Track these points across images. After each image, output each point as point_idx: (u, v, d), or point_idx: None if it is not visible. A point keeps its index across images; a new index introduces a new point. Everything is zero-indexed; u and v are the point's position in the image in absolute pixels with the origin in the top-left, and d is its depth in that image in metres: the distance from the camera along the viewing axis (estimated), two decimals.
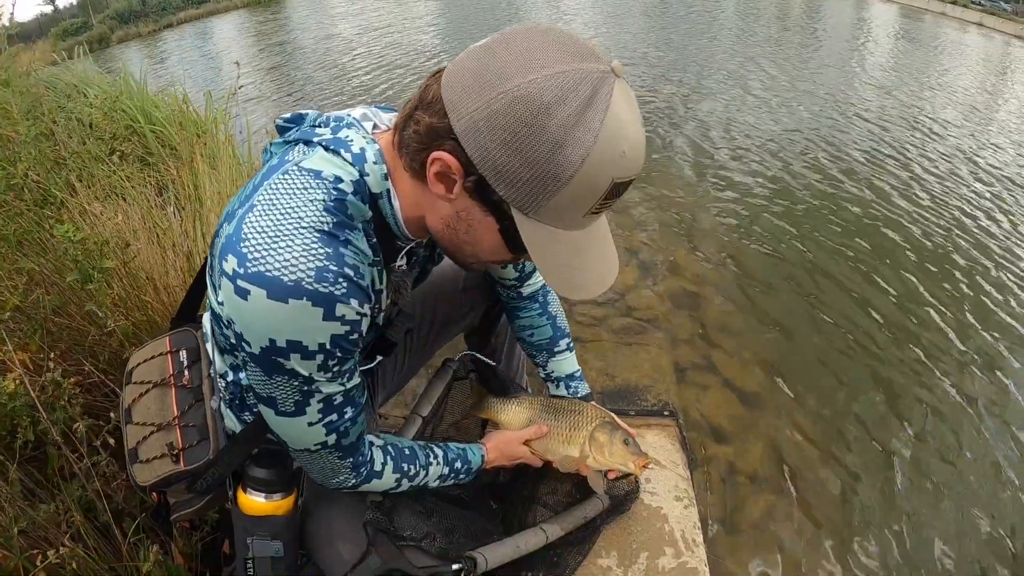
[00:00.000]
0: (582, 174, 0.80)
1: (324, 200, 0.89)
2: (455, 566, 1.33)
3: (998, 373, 3.13)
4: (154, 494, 1.35)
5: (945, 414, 2.80)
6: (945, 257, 4.17)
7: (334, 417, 1.03)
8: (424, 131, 0.86)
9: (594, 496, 1.71)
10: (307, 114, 1.03)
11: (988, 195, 5.29)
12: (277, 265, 0.84)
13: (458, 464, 1.37)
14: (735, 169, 5.18)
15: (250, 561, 1.20)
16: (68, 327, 1.91)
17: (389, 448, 1.24)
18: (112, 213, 2.39)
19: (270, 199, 0.88)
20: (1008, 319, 3.58)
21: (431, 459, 1.31)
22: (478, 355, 1.73)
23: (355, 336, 0.93)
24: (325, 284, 0.85)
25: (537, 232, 0.87)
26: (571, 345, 1.68)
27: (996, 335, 3.43)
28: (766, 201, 4.62)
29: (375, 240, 0.98)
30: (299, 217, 0.86)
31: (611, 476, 1.57)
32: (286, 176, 0.90)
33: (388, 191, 0.95)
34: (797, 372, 2.91)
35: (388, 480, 1.22)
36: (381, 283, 1.04)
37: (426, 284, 1.64)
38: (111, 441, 1.52)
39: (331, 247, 0.87)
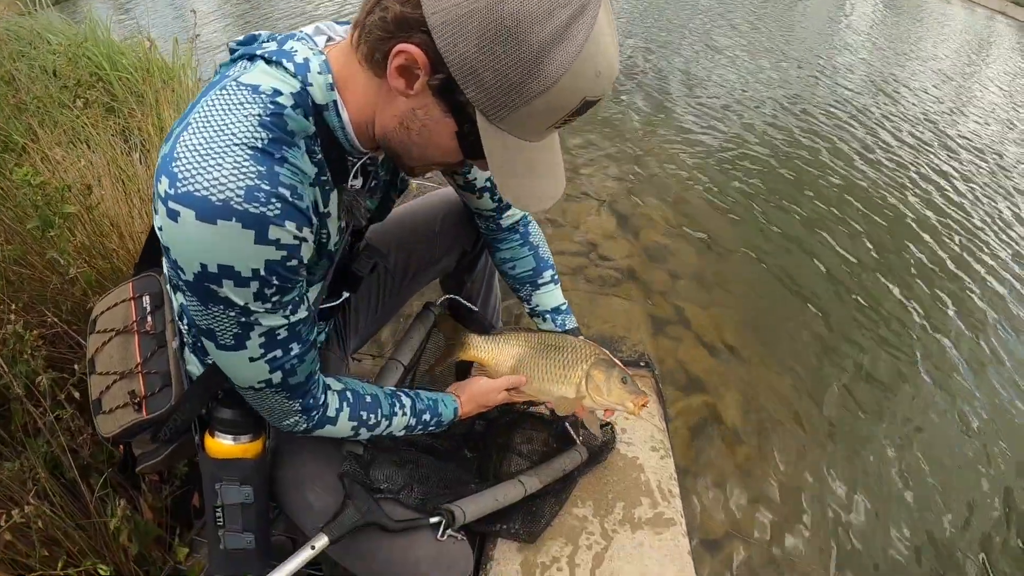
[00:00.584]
0: (557, 88, 0.77)
1: (260, 115, 0.82)
2: (433, 519, 1.31)
3: (965, 329, 3.20)
4: (120, 447, 1.32)
5: (915, 367, 2.85)
6: (917, 217, 4.20)
7: (278, 353, 0.97)
8: (392, 19, 0.80)
9: (572, 448, 1.71)
10: (261, 34, 0.96)
11: (952, 160, 5.31)
12: (206, 184, 0.78)
13: (427, 416, 1.32)
14: (712, 127, 5.13)
15: (219, 509, 1.16)
16: (30, 277, 1.85)
17: (348, 394, 1.19)
18: (75, 159, 2.31)
19: (205, 116, 0.82)
20: (973, 278, 3.64)
21: (396, 409, 1.27)
22: (459, 298, 1.70)
23: (294, 262, 0.88)
24: (256, 204, 0.79)
25: (498, 139, 0.83)
26: (556, 278, 1.62)
27: (964, 292, 3.50)
28: (742, 160, 4.58)
29: (321, 157, 0.92)
30: (232, 134, 0.80)
31: (607, 416, 1.54)
32: (223, 92, 0.84)
33: (335, 102, 0.89)
34: (771, 325, 2.92)
35: (343, 427, 1.18)
36: (327, 205, 0.98)
37: (401, 227, 1.61)
38: (76, 394, 1.48)
39: (264, 165, 0.81)
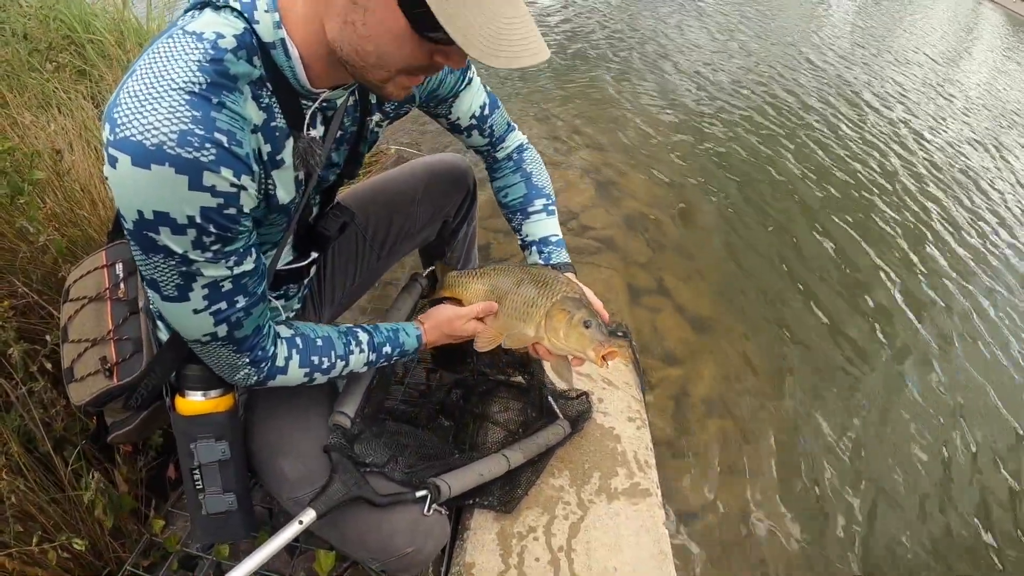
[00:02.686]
0: None
1: (199, 60, 0.80)
2: (419, 493, 1.31)
3: (942, 302, 3.27)
4: (94, 418, 1.30)
5: (893, 341, 2.90)
6: (896, 189, 4.27)
7: (222, 306, 0.96)
8: None
9: (556, 422, 1.71)
10: None
11: (929, 136, 5.36)
12: (141, 129, 0.76)
13: (387, 349, 1.28)
14: (695, 100, 5.12)
15: (196, 471, 1.15)
16: None
17: (297, 340, 1.16)
18: (45, 124, 2.26)
19: (148, 64, 0.80)
20: (953, 257, 3.70)
21: (352, 347, 1.23)
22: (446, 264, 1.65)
23: (231, 211, 0.85)
24: (189, 149, 0.77)
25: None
26: (550, 208, 1.53)
27: (943, 268, 3.56)
28: (723, 133, 4.59)
29: (269, 102, 0.90)
30: (171, 80, 0.78)
31: (575, 364, 1.40)
32: (169, 40, 0.82)
33: (282, 40, 0.86)
34: (751, 297, 2.95)
35: (295, 375, 1.15)
36: (279, 153, 0.95)
37: (382, 195, 1.59)
38: (48, 366, 1.46)
39: (200, 110, 0.78)
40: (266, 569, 1.30)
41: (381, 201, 1.58)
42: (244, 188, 0.86)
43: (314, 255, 1.26)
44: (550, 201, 1.53)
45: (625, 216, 3.37)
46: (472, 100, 1.37)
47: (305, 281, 1.32)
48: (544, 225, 1.51)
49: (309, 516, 1.17)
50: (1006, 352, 3.02)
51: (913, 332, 2.99)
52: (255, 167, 0.88)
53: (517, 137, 1.55)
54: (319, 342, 1.19)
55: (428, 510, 1.31)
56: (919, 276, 3.40)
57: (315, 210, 1.21)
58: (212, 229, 0.84)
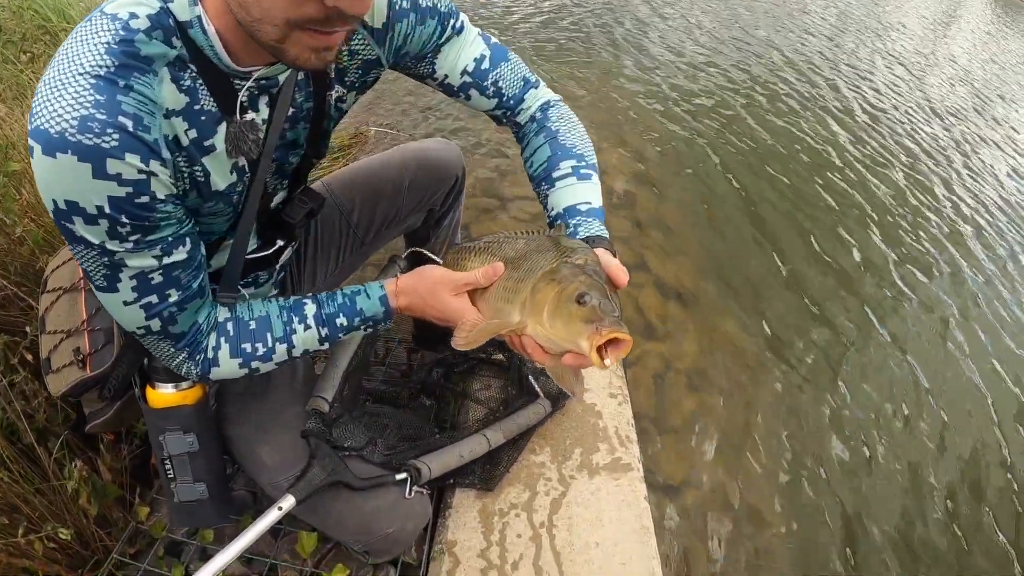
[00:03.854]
0: None
1: (108, 42, 0.76)
2: (399, 476, 1.32)
3: (918, 273, 3.29)
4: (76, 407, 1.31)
5: (877, 314, 2.92)
6: (885, 160, 4.28)
7: (153, 299, 0.91)
8: None
9: (536, 402, 1.71)
10: None
11: (918, 106, 5.37)
12: (47, 116, 0.73)
13: (341, 320, 1.10)
14: (670, 73, 5.10)
15: (167, 461, 1.16)
16: None
17: (228, 327, 1.05)
18: (20, 115, 2.24)
19: (65, 48, 0.78)
20: (941, 225, 3.73)
21: (295, 324, 1.08)
22: (424, 251, 1.54)
23: (143, 199, 0.80)
24: (90, 136, 0.73)
25: None
26: (581, 171, 1.21)
27: (931, 236, 3.59)
28: (703, 108, 4.57)
29: (194, 84, 0.85)
30: (79, 63, 0.75)
31: (572, 363, 0.94)
32: (87, 22, 0.79)
33: (199, 17, 0.81)
34: (733, 274, 2.95)
35: (229, 368, 1.06)
36: (210, 138, 0.90)
37: (367, 181, 1.55)
38: (29, 357, 1.45)
39: (104, 94, 0.75)
40: (250, 552, 1.31)
41: (368, 187, 1.54)
42: (154, 175, 0.81)
43: (280, 243, 1.21)
44: (582, 163, 1.22)
45: (605, 192, 3.35)
46: (461, 53, 1.18)
47: (278, 266, 1.29)
48: (572, 192, 1.20)
49: (288, 502, 1.18)
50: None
51: (902, 303, 3.02)
52: (166, 154, 0.83)
53: (540, 94, 1.29)
54: (252, 325, 1.07)
55: (409, 492, 1.31)
56: (906, 247, 3.43)
57: (282, 195, 1.16)
58: (124, 219, 0.80)
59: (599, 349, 0.84)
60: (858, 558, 1.96)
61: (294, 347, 1.09)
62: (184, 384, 1.15)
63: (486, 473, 1.59)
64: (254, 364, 1.07)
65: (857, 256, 3.29)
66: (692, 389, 2.34)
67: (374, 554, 1.38)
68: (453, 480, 1.57)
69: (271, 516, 1.16)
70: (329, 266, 1.58)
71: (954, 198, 4.11)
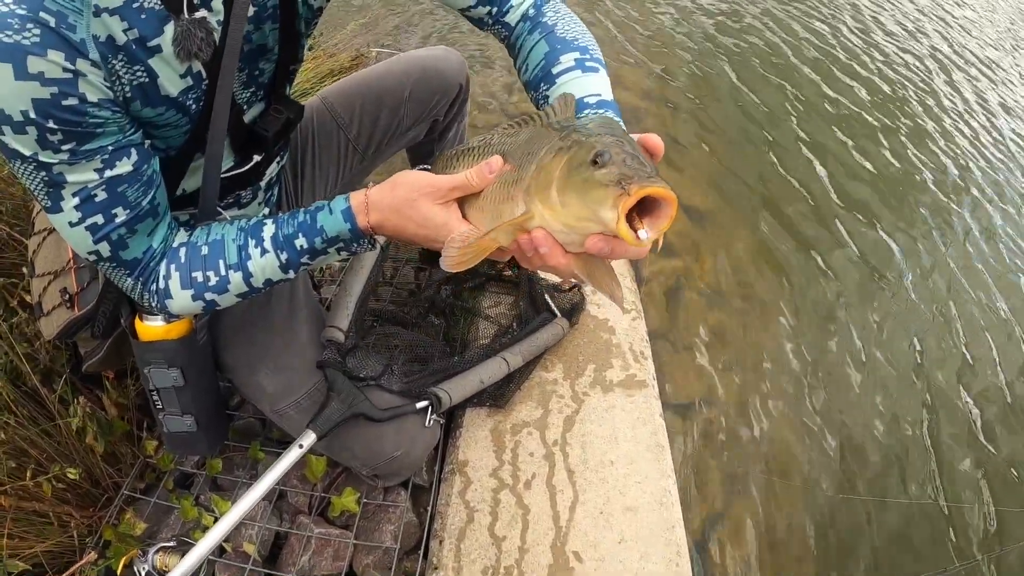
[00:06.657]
0: None
1: None
2: (420, 404, 1.29)
3: (915, 196, 3.17)
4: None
5: (893, 237, 2.84)
6: (897, 87, 4.13)
7: (99, 220, 0.83)
8: None
9: (554, 321, 1.66)
10: None
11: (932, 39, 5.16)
12: None
13: (300, 241, 0.92)
14: None
15: (155, 393, 1.14)
16: None
17: (181, 252, 0.94)
18: None
19: None
20: (947, 157, 3.57)
21: (251, 248, 0.94)
22: (428, 170, 1.51)
23: (71, 101, 0.73)
24: (8, 32, 0.67)
25: None
26: (586, 63, 1.00)
27: (942, 166, 3.45)
28: (720, 24, 4.38)
29: None
30: None
31: (594, 247, 0.68)
32: None
33: None
34: (749, 192, 2.87)
35: (182, 301, 0.95)
36: (155, 37, 0.80)
37: (366, 92, 1.48)
38: (28, 299, 1.42)
39: None
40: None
41: (367, 98, 1.46)
42: (82, 75, 0.73)
43: (256, 159, 1.11)
44: (586, 55, 1.02)
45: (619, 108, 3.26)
46: None
47: (262, 184, 1.18)
48: (578, 84, 0.98)
49: (309, 439, 1.16)
50: None
51: (926, 228, 2.92)
52: (94, 55, 0.74)
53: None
54: (204, 250, 0.94)
55: (429, 422, 1.29)
56: (931, 171, 3.30)
57: (258, 107, 1.07)
58: (53, 125, 0.73)
59: (630, 219, 0.62)
60: (870, 474, 1.94)
61: (251, 276, 0.94)
62: (173, 317, 1.08)
63: (496, 390, 1.55)
64: (208, 296, 0.95)
65: (878, 170, 3.17)
66: (708, 307, 2.29)
67: (383, 478, 1.36)
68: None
69: (292, 454, 1.15)
70: (329, 183, 1.50)
71: (989, 105, 3.95)
